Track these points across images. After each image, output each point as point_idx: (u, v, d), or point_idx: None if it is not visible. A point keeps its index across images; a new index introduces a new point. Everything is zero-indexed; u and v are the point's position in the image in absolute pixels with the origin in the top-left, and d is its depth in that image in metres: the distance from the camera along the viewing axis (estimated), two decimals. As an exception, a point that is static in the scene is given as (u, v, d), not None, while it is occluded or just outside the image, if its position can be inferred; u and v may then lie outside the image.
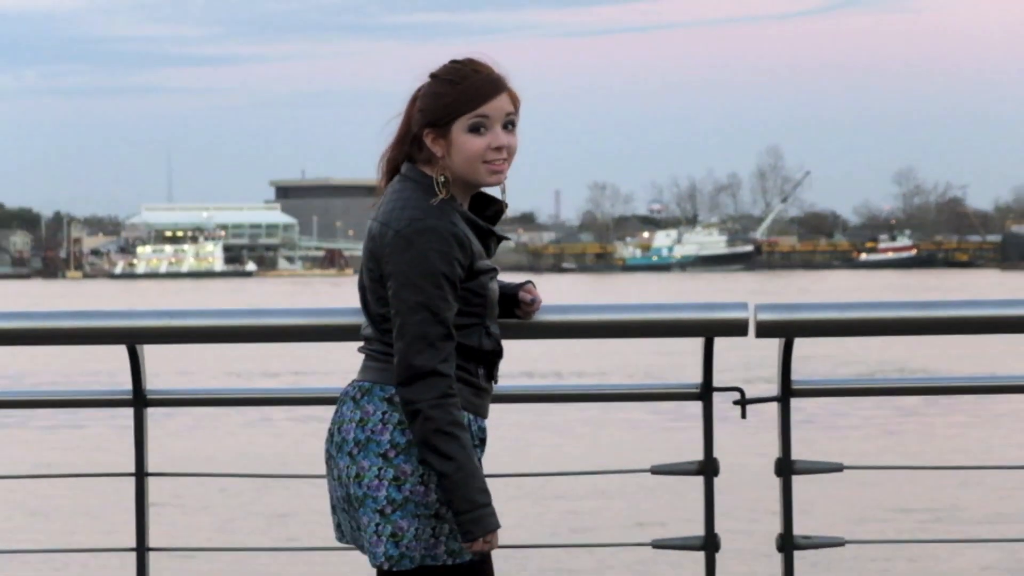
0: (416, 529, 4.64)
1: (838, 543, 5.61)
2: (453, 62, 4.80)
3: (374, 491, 4.64)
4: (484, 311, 4.73)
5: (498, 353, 4.79)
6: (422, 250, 4.63)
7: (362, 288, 4.80)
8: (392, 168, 4.81)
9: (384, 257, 4.67)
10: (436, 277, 4.63)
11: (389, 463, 4.64)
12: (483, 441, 4.76)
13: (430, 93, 4.76)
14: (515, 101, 4.79)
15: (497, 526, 4.61)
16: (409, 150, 4.78)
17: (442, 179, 4.72)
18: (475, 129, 4.72)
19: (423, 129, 4.74)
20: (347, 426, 4.70)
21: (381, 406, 4.68)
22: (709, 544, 5.43)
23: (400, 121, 4.82)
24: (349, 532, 4.77)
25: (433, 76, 4.78)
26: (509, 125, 4.76)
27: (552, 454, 21.09)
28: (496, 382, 4.81)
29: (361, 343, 4.83)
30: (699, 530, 5.45)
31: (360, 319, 5.24)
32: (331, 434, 4.76)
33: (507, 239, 4.93)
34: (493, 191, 4.83)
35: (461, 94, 4.72)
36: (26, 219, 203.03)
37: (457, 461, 4.58)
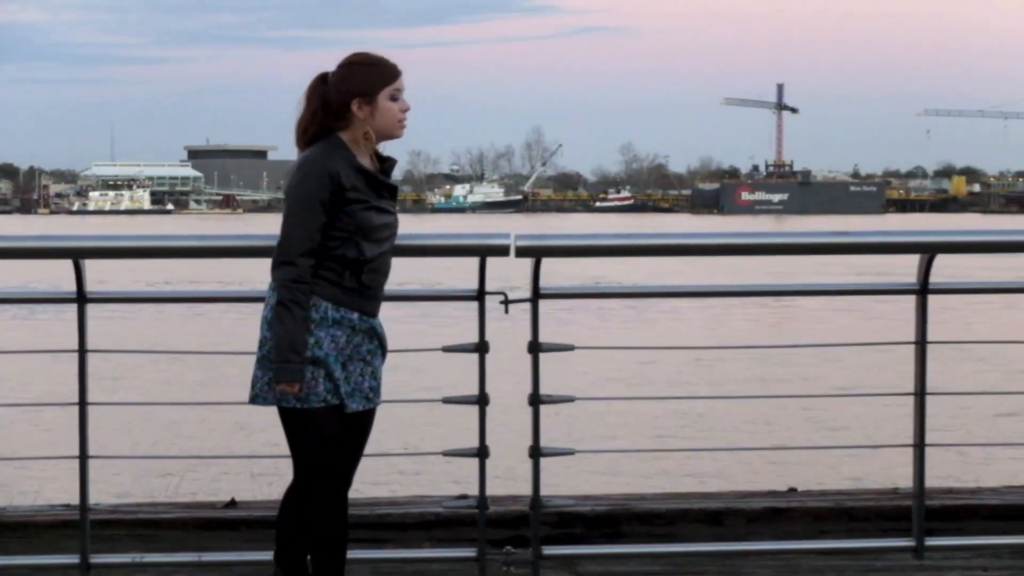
0: (268, 379, 4.61)
1: (569, 399, 5.66)
2: (360, 54, 4.76)
3: (260, 351, 4.65)
4: (354, 231, 4.64)
5: (360, 263, 4.66)
6: (303, 175, 4.61)
7: None
8: (311, 137, 4.70)
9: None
10: (308, 196, 4.59)
11: (263, 332, 4.63)
12: (340, 323, 4.64)
13: (354, 74, 4.70)
14: None
15: (295, 379, 4.55)
16: (328, 121, 4.69)
17: (365, 134, 4.69)
18: (393, 98, 4.72)
19: (351, 100, 4.68)
20: (265, 308, 4.69)
21: (270, 293, 4.64)
22: (481, 400, 5.45)
23: (307, 104, 4.71)
24: None
25: (350, 64, 4.72)
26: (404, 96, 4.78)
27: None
28: (369, 287, 4.69)
29: None
30: (474, 390, 5.45)
31: (241, 243, 5.26)
32: None
33: (396, 187, 4.82)
34: (390, 150, 4.81)
35: (384, 72, 4.72)
36: (8, 171, 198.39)
37: (285, 326, 4.55)
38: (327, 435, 4.67)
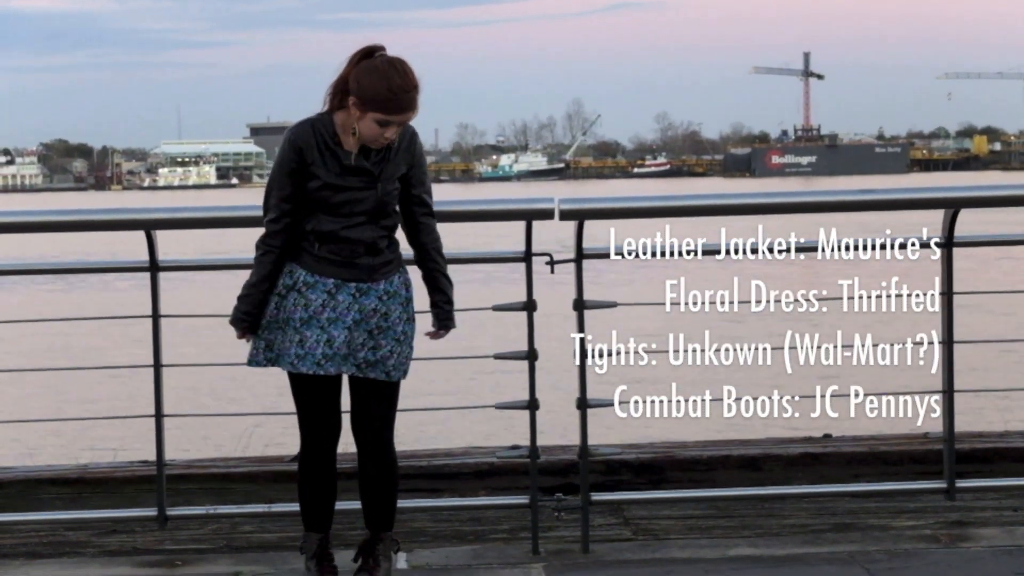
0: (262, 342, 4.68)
1: (610, 353, 5.64)
2: (389, 66, 4.50)
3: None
4: (316, 205, 4.57)
5: (322, 235, 4.57)
6: (280, 147, 4.62)
7: None
8: (335, 101, 4.59)
9: None
10: (279, 166, 4.60)
11: None
12: (315, 287, 4.58)
13: (366, 82, 4.50)
14: (415, 111, 4.56)
15: (235, 320, 4.65)
16: (342, 95, 4.58)
17: (354, 130, 4.56)
18: (381, 123, 4.53)
19: (352, 95, 4.52)
20: None
21: None
22: (531, 355, 5.42)
23: (343, 70, 4.57)
24: None
25: (373, 68, 4.50)
26: (402, 123, 4.57)
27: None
28: (339, 256, 4.59)
29: None
30: (524, 346, 5.43)
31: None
32: None
33: (368, 169, 4.59)
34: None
35: (384, 101, 4.48)
36: (83, 151, 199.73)
37: (249, 280, 4.63)
38: (299, 395, 4.75)
